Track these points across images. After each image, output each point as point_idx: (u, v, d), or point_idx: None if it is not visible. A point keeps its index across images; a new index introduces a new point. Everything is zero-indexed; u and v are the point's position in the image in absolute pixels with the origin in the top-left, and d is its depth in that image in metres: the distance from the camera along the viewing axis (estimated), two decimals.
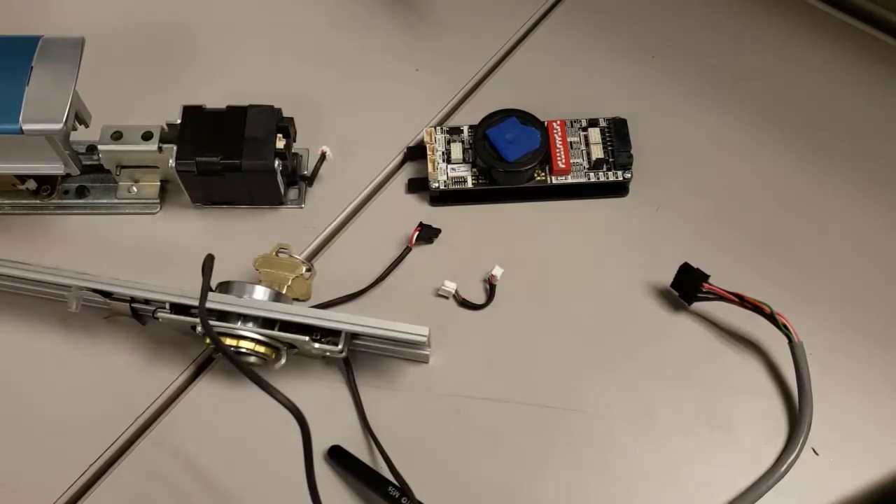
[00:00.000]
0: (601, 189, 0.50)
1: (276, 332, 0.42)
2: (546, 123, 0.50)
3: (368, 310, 0.46)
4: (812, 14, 0.58)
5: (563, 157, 0.49)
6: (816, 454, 0.43)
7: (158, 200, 0.51)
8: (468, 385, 0.45)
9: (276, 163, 0.47)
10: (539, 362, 0.45)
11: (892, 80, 0.55)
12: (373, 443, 0.43)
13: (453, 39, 0.58)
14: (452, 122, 0.53)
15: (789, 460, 0.42)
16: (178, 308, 0.42)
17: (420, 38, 0.58)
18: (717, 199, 0.50)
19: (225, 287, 0.43)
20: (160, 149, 0.47)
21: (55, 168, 0.46)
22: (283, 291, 0.44)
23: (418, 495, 0.40)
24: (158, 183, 0.51)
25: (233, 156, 0.46)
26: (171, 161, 0.46)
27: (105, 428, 0.44)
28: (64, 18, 0.59)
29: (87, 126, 0.47)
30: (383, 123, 0.54)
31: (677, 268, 0.45)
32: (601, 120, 0.51)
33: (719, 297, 0.44)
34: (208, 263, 0.41)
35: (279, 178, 0.48)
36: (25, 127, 0.42)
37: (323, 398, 0.44)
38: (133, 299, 0.43)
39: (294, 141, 0.50)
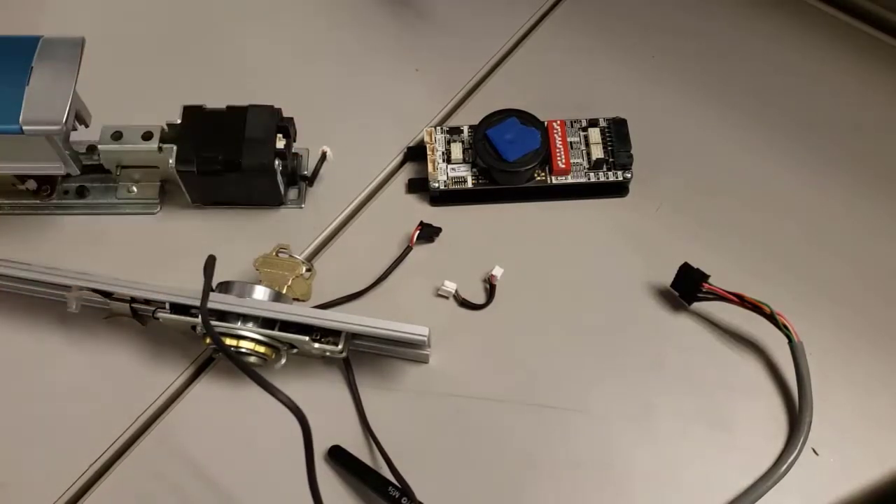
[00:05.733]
0: (601, 189, 0.50)
1: (276, 332, 0.42)
2: (546, 123, 0.50)
3: (368, 310, 0.46)
4: (812, 14, 0.58)
5: (563, 157, 0.49)
6: (816, 454, 0.43)
7: (158, 200, 0.51)
8: (468, 385, 0.45)
9: (276, 163, 0.47)
10: (539, 362, 0.45)
11: (892, 80, 0.55)
12: (373, 443, 0.43)
13: (453, 39, 0.58)
14: (452, 122, 0.53)
15: (789, 460, 0.42)
16: (178, 308, 0.42)
17: (420, 38, 0.58)
18: (718, 199, 0.50)
19: (225, 287, 0.43)
20: (160, 149, 0.47)
21: (55, 168, 0.46)
22: (283, 291, 0.44)
23: (418, 495, 0.40)
24: (158, 183, 0.51)
25: (233, 156, 0.46)
26: (171, 161, 0.46)
27: (105, 428, 0.44)
28: (64, 18, 0.59)
29: (87, 126, 0.47)
30: (383, 123, 0.54)
31: (677, 268, 0.45)
32: (601, 120, 0.51)
33: (719, 297, 0.44)
34: (210, 264, 0.41)
35: (279, 178, 0.48)
36: (25, 127, 0.42)
37: (323, 398, 0.44)
38: (133, 299, 0.43)
39: (294, 141, 0.50)
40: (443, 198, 0.50)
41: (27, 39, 0.44)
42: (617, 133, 0.50)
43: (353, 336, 0.43)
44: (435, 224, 0.49)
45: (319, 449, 0.42)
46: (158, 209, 0.51)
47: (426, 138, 0.51)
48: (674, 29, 0.57)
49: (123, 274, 0.43)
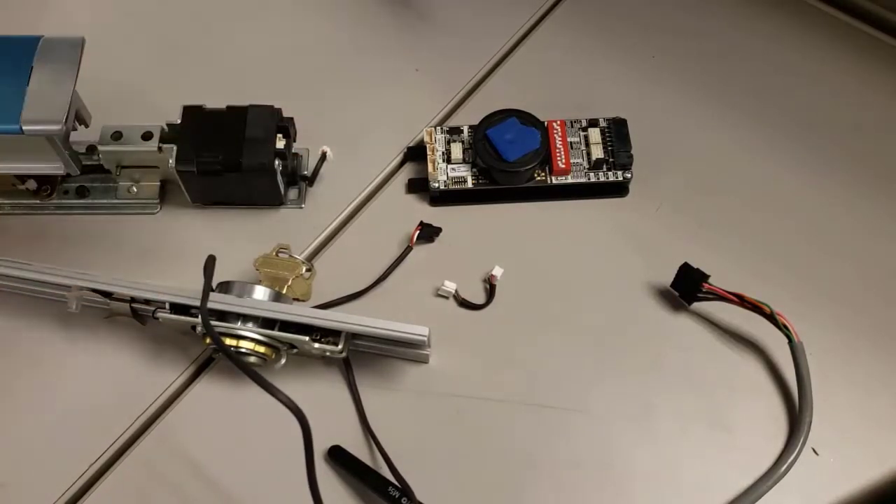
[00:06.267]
0: (601, 189, 0.50)
1: (276, 332, 0.42)
2: (546, 123, 0.50)
3: (368, 310, 0.46)
4: (811, 14, 0.58)
5: (563, 157, 0.49)
6: (816, 454, 0.43)
7: (158, 200, 0.51)
8: (468, 385, 0.45)
9: (276, 163, 0.47)
10: (539, 362, 0.45)
11: (892, 80, 0.55)
12: (373, 443, 0.43)
13: (453, 39, 0.58)
14: (452, 122, 0.53)
15: (789, 460, 0.42)
16: (178, 308, 0.42)
17: (420, 38, 0.58)
18: (717, 199, 0.50)
19: (225, 287, 0.43)
20: (160, 149, 0.47)
21: (55, 168, 0.46)
22: (283, 291, 0.44)
23: (418, 495, 0.40)
24: (158, 183, 0.51)
25: (233, 156, 0.46)
26: (171, 161, 0.46)
27: (105, 428, 0.44)
28: (64, 18, 0.59)
29: (87, 126, 0.47)
30: (383, 123, 0.54)
31: (677, 268, 0.45)
32: (601, 120, 0.51)
33: (719, 297, 0.44)
34: (210, 264, 0.41)
35: (279, 178, 0.48)
36: (25, 127, 0.42)
37: (323, 398, 0.44)
38: (133, 299, 0.43)
39: (294, 141, 0.50)
40: (443, 198, 0.50)
41: (27, 39, 0.44)
42: (617, 133, 0.50)
43: (353, 336, 0.43)
44: (435, 224, 0.49)
45: (319, 449, 0.42)
46: (158, 209, 0.51)
47: (426, 138, 0.51)
48: (674, 29, 0.58)
49: (123, 274, 0.43)
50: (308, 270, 0.46)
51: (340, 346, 0.42)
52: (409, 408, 0.44)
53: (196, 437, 0.44)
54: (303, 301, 0.47)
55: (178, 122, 0.47)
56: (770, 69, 0.55)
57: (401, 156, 0.53)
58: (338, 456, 0.42)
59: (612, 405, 0.44)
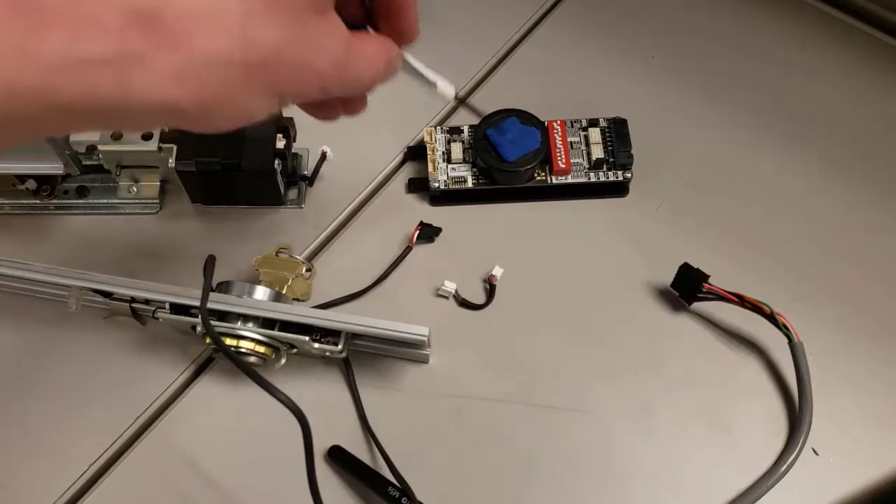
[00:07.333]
0: (601, 189, 0.50)
1: (276, 332, 0.42)
2: (546, 123, 0.50)
3: (368, 310, 0.46)
4: (811, 14, 0.58)
5: (563, 157, 0.49)
6: (816, 454, 0.43)
7: (158, 200, 0.51)
8: (468, 385, 0.45)
9: (276, 163, 0.47)
10: (539, 362, 0.45)
11: (892, 80, 0.55)
12: (373, 443, 0.43)
13: (453, 39, 0.58)
14: (452, 122, 0.53)
15: (789, 460, 0.42)
16: (177, 308, 0.42)
17: (420, 37, 0.58)
18: (718, 199, 0.50)
19: (225, 287, 0.43)
20: (160, 149, 0.47)
21: (55, 168, 0.46)
22: (283, 291, 0.44)
23: (418, 495, 0.40)
24: (158, 183, 0.51)
25: (233, 156, 0.46)
26: (171, 161, 0.46)
27: (105, 428, 0.44)
28: None
29: None
30: (383, 123, 0.54)
31: (677, 268, 0.45)
32: (601, 120, 0.51)
33: (719, 297, 0.44)
34: (210, 264, 0.41)
35: (279, 178, 0.48)
36: None
37: (323, 398, 0.44)
38: (133, 299, 0.43)
39: (294, 141, 0.50)
40: (443, 198, 0.50)
41: None
42: (617, 133, 0.50)
43: (353, 336, 0.43)
44: (435, 224, 0.49)
45: (319, 449, 0.42)
46: (158, 209, 0.51)
47: (426, 138, 0.51)
48: (674, 29, 0.58)
49: (123, 274, 0.43)
50: (308, 270, 0.46)
51: (340, 346, 0.42)
52: (409, 408, 0.44)
53: (196, 437, 0.44)
54: (303, 301, 0.47)
55: None
56: (770, 69, 0.55)
57: (401, 156, 0.53)
58: (338, 456, 0.42)
59: (612, 405, 0.44)
